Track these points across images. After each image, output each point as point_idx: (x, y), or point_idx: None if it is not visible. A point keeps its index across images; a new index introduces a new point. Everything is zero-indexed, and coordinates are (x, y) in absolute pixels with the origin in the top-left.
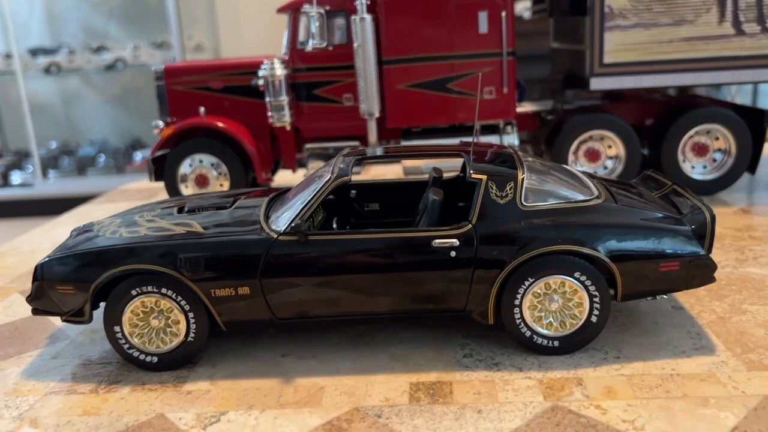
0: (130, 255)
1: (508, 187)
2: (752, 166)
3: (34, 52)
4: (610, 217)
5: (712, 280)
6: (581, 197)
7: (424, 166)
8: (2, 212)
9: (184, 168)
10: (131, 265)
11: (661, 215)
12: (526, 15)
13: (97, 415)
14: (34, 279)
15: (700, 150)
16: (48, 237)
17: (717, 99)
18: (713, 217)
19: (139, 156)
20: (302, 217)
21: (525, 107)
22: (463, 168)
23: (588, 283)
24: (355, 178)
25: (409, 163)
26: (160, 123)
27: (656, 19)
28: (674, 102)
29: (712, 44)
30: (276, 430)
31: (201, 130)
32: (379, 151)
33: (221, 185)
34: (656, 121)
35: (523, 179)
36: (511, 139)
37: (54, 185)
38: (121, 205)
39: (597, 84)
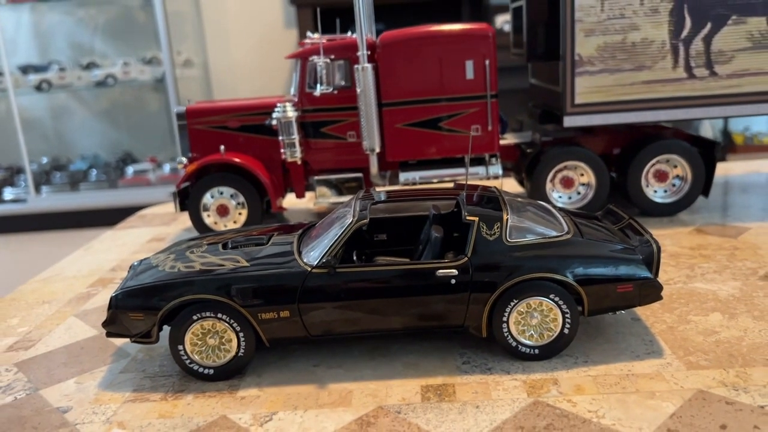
0: (191, 286)
1: (495, 227)
2: (706, 191)
3: (25, 70)
4: (577, 250)
5: (659, 298)
6: (554, 233)
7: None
8: None
9: (206, 199)
10: (192, 295)
11: (619, 247)
12: (507, 28)
13: (171, 417)
14: (109, 308)
15: (661, 176)
16: (85, 263)
17: (679, 130)
18: (659, 248)
19: (131, 170)
20: (330, 254)
21: (507, 139)
22: (457, 205)
23: (561, 302)
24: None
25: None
26: (183, 159)
27: (620, 65)
28: (639, 134)
29: (668, 86)
30: (318, 425)
31: (221, 165)
32: (383, 196)
33: (240, 214)
34: (623, 151)
35: (507, 219)
36: (496, 169)
37: (47, 200)
38: (142, 230)
39: (569, 121)
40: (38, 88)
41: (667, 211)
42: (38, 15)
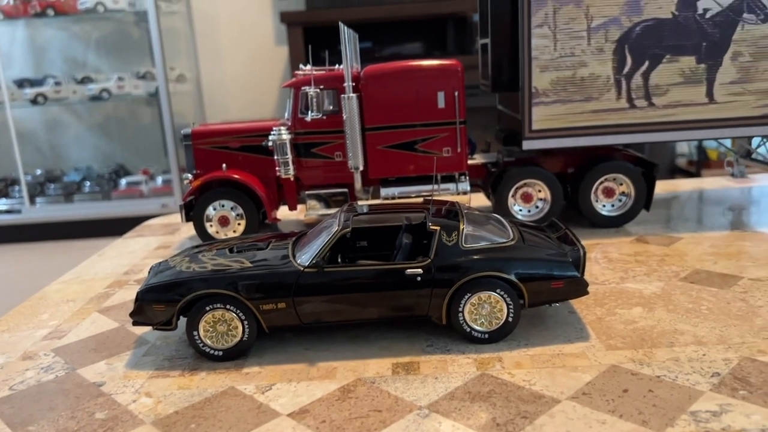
0: (205, 283)
1: (453, 234)
2: (647, 205)
3: (20, 83)
4: (519, 253)
5: (586, 293)
6: (502, 240)
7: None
8: None
9: (209, 211)
10: (205, 290)
11: (553, 251)
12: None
13: (188, 389)
14: (136, 300)
15: (608, 193)
16: (101, 268)
17: (627, 152)
18: (585, 253)
19: (123, 182)
20: (319, 256)
21: (476, 159)
22: (425, 217)
23: (506, 296)
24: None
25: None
26: (189, 175)
27: (571, 96)
28: (591, 155)
29: (613, 115)
30: (309, 392)
31: (222, 181)
32: (366, 209)
33: (239, 224)
34: (576, 170)
35: (463, 229)
36: (464, 185)
37: (41, 211)
38: (149, 239)
39: (528, 145)
40: (34, 101)
41: (614, 223)
42: (34, 30)
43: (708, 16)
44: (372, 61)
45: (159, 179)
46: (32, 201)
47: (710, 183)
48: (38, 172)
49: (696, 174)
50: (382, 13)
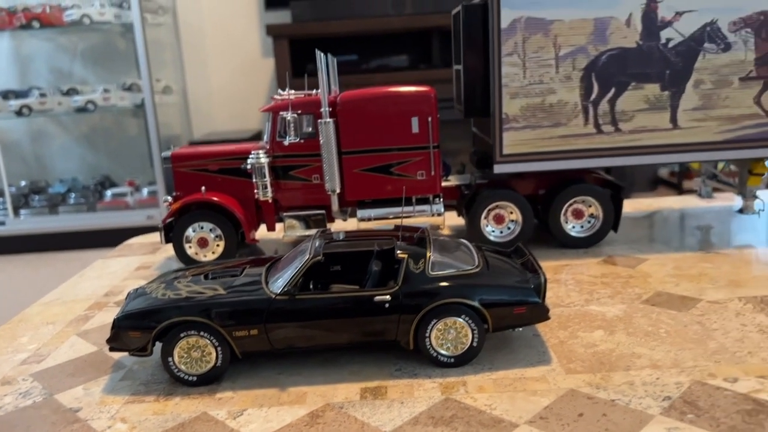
0: (179, 310)
1: (420, 262)
2: (615, 226)
3: (5, 95)
4: (483, 280)
5: (547, 318)
6: (467, 267)
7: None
8: None
9: (188, 232)
10: (180, 317)
11: (516, 278)
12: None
13: (162, 414)
14: (113, 327)
15: (578, 214)
16: (81, 289)
17: (597, 175)
18: (545, 280)
19: (109, 194)
20: (290, 284)
21: (450, 181)
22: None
23: (470, 322)
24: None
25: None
26: (169, 197)
27: (540, 122)
28: (561, 177)
29: (580, 140)
30: (279, 418)
31: (201, 203)
32: (342, 236)
33: (218, 245)
34: (547, 192)
35: (430, 256)
36: (438, 207)
37: (26, 223)
38: (130, 259)
39: (499, 169)
40: (19, 113)
41: (583, 244)
42: (19, 41)
43: (671, 45)
44: (358, 73)
45: (145, 191)
46: (16, 213)
47: (679, 202)
48: (23, 183)
49: (678, 185)
50: (367, 26)
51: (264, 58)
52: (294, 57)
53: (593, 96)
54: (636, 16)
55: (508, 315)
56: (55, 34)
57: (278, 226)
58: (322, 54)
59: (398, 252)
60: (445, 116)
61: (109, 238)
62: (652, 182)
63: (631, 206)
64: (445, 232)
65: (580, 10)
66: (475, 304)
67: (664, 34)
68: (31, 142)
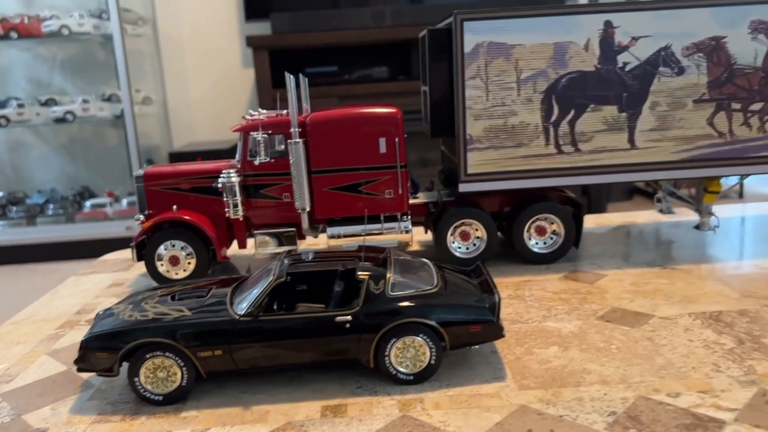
0: (145, 332)
1: (380, 283)
2: (576, 243)
3: None
4: (441, 300)
5: (502, 336)
6: (425, 287)
7: (344, 245)
8: None
9: (160, 250)
10: (146, 338)
11: (472, 298)
12: None
13: None
14: (80, 349)
15: (540, 231)
16: (53, 307)
17: (560, 193)
18: (500, 299)
19: (88, 204)
20: (254, 305)
21: (419, 199)
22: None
23: (428, 340)
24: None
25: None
26: (141, 216)
27: (502, 143)
28: (525, 195)
29: (542, 160)
30: None
31: (173, 221)
32: (311, 256)
33: (189, 263)
34: (511, 209)
35: (389, 277)
36: (406, 224)
37: (3, 234)
38: (103, 276)
39: (464, 188)
40: None
41: (545, 260)
42: None
43: (627, 69)
44: (338, 84)
45: (124, 201)
46: None
47: (642, 217)
48: (0, 194)
49: (653, 194)
50: (347, 38)
51: (244, 68)
52: (274, 68)
53: (554, 117)
54: (594, 41)
55: (464, 333)
56: (34, 45)
57: (250, 242)
58: (291, 76)
59: (359, 273)
60: (419, 127)
61: (88, 250)
62: (628, 192)
63: (594, 221)
64: (414, 248)
65: (541, 35)
66: (433, 323)
67: (621, 58)
68: (9, 153)
